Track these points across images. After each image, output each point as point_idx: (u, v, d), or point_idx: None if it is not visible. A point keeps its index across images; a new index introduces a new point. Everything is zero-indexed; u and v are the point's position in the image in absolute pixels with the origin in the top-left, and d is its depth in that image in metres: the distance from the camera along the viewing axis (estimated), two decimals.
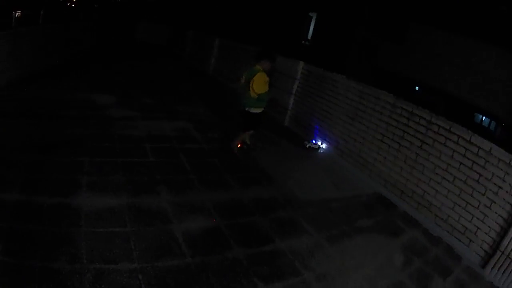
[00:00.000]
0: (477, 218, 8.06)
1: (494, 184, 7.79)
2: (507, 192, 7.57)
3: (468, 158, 8.31)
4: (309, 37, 33.65)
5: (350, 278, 6.48)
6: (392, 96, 10.34)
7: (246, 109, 10.67)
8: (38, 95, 12.62)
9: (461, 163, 8.44)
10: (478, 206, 8.06)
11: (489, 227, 7.85)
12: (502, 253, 7.49)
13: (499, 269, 7.55)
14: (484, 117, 21.71)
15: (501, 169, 7.68)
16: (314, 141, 12.94)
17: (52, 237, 5.77)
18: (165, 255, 5.95)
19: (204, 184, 8.57)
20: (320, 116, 13.08)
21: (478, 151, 8.12)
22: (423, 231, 8.66)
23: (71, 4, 49.28)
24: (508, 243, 7.41)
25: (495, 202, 7.77)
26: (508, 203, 7.55)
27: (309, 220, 8.03)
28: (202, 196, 8.03)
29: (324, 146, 12.73)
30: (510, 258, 7.36)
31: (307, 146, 12.60)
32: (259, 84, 10.23)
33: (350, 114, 11.70)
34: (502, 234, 7.60)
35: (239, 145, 11.18)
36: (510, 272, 7.36)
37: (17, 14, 15.66)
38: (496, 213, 7.75)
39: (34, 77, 14.41)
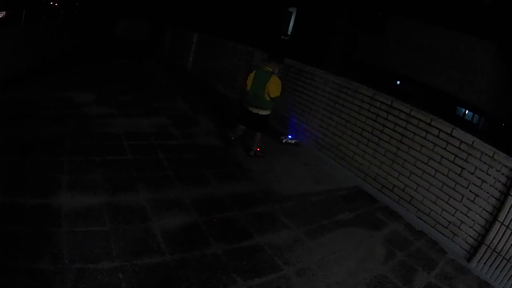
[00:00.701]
0: (461, 212, 8.03)
1: (477, 177, 7.77)
2: (491, 185, 7.56)
3: (449, 151, 8.28)
4: (289, 33, 33.75)
5: (331, 272, 6.41)
6: (371, 90, 10.30)
7: (255, 112, 10.59)
8: (19, 96, 12.47)
9: (442, 157, 8.41)
10: (461, 200, 8.02)
11: (473, 220, 7.82)
12: (488, 246, 7.47)
13: (485, 263, 7.53)
14: (467, 110, 21.80)
15: (485, 163, 7.67)
16: (290, 136, 12.75)
17: (34, 238, 5.70)
18: (144, 253, 5.89)
19: (182, 180, 8.50)
20: (299, 109, 13.05)
21: (460, 144, 8.09)
22: (405, 224, 8.63)
23: (53, 3, 48.97)
24: (494, 236, 7.40)
25: (478, 196, 7.75)
26: (492, 196, 7.54)
27: (288, 214, 7.99)
28: (180, 193, 7.97)
29: (299, 141, 12.60)
30: (496, 251, 7.35)
31: (283, 141, 12.49)
32: (275, 87, 10.23)
33: (329, 108, 11.66)
34: (487, 228, 7.59)
35: (258, 149, 10.90)
36: (497, 266, 7.35)
37: (1, 15, 15.48)
38: (480, 206, 7.72)
39: (15, 78, 14.24)
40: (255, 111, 10.56)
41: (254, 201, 8.30)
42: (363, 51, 27.48)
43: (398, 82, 25.79)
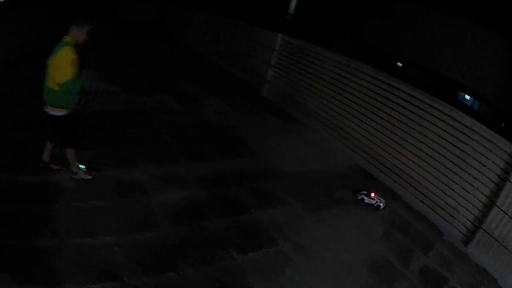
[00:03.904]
0: (459, 195, 8.05)
1: (477, 160, 7.78)
2: (489, 169, 7.57)
3: (449, 133, 8.26)
4: (292, 11, 33.58)
5: (329, 249, 6.48)
6: (373, 69, 10.29)
7: (45, 110, 6.85)
8: (23, 77, 12.42)
9: (441, 138, 8.40)
10: (459, 183, 8.04)
11: (471, 204, 7.85)
12: (485, 231, 7.50)
13: (482, 248, 7.57)
14: (467, 96, 21.75)
15: (484, 146, 7.68)
16: (372, 194, 8.62)
17: (34, 215, 5.75)
18: (142, 227, 5.94)
19: (183, 155, 8.54)
20: (301, 87, 12.98)
21: (459, 126, 8.07)
22: (403, 204, 8.72)
23: None
24: (492, 222, 7.43)
25: (477, 179, 7.77)
26: (491, 180, 7.55)
27: (288, 191, 8.01)
28: (181, 168, 7.99)
29: (384, 203, 8.56)
30: (494, 237, 7.38)
31: (359, 198, 8.55)
32: (60, 66, 6.51)
33: (331, 87, 11.62)
34: (485, 212, 7.60)
35: (81, 171, 7.03)
36: (494, 252, 7.39)
37: None
38: (478, 190, 7.74)
39: (20, 61, 14.20)
40: (47, 109, 6.83)
41: (254, 177, 8.33)
42: (368, 33, 27.38)
43: (401, 65, 25.69)
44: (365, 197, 8.51)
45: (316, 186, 8.53)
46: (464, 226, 7.97)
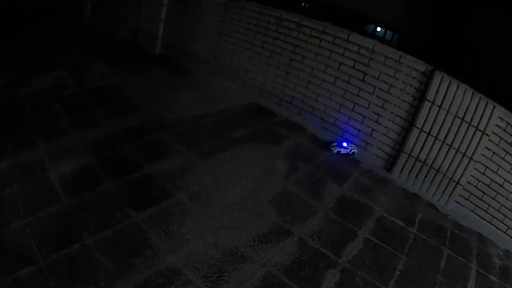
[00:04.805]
0: (370, 119, 7.97)
1: (384, 82, 7.69)
2: (401, 90, 7.49)
3: (348, 57, 8.17)
4: None
5: (228, 192, 6.34)
6: (258, 5, 10.19)
7: None
8: None
9: (341, 63, 8.30)
10: (368, 106, 7.95)
11: (386, 127, 7.79)
12: (409, 155, 7.46)
13: (409, 172, 7.56)
14: (378, 28, 21.70)
15: (391, 67, 7.57)
16: (345, 144, 8.49)
17: None
18: (45, 204, 5.79)
19: (75, 125, 8.38)
20: (191, 37, 12.87)
21: (359, 49, 7.98)
22: (309, 136, 8.64)
23: None
24: (414, 144, 7.39)
25: (388, 101, 7.69)
26: (405, 101, 7.50)
27: (179, 139, 7.91)
28: (74, 137, 7.86)
29: (355, 148, 8.45)
30: (419, 159, 7.36)
31: (335, 151, 8.32)
32: None
33: (217, 29, 11.52)
34: (404, 135, 7.56)
35: None
36: (424, 174, 7.41)
37: None
38: (392, 112, 7.67)
39: None
40: None
41: (144, 131, 8.23)
42: None
43: (304, 4, 25.52)
44: (341, 149, 8.23)
45: (209, 130, 8.42)
46: (383, 151, 7.90)
